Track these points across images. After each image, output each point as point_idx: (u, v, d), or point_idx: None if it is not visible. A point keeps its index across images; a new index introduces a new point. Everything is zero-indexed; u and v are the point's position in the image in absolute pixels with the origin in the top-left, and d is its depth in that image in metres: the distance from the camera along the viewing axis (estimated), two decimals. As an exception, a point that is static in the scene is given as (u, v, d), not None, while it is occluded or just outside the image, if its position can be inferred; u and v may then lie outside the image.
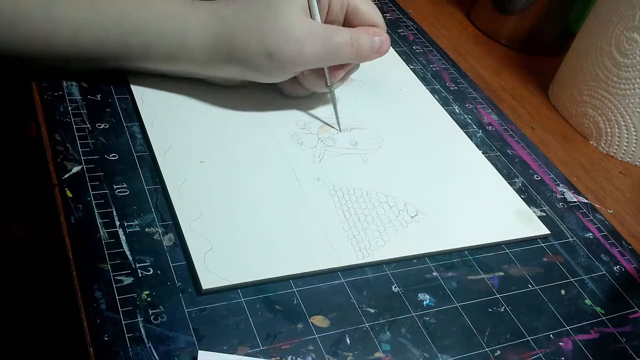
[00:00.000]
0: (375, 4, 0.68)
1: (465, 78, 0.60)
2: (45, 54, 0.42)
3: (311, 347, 0.33)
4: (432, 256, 0.41)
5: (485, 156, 0.50)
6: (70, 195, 0.37)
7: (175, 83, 0.47)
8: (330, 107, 0.49)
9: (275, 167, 0.43)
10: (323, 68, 0.46)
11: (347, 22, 0.46)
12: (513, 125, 0.56)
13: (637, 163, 0.57)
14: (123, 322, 0.31)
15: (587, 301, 0.41)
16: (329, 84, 0.46)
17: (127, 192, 0.38)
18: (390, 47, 0.60)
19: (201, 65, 0.44)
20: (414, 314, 0.37)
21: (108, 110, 0.44)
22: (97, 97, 0.44)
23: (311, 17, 0.44)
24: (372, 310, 0.36)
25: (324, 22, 0.45)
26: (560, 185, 0.51)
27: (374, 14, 0.46)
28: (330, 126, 0.48)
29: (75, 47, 0.41)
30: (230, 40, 0.42)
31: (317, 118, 0.49)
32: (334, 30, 0.43)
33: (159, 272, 0.34)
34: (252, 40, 0.42)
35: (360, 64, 0.48)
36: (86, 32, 0.41)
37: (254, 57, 0.42)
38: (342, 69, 0.46)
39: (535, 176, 0.51)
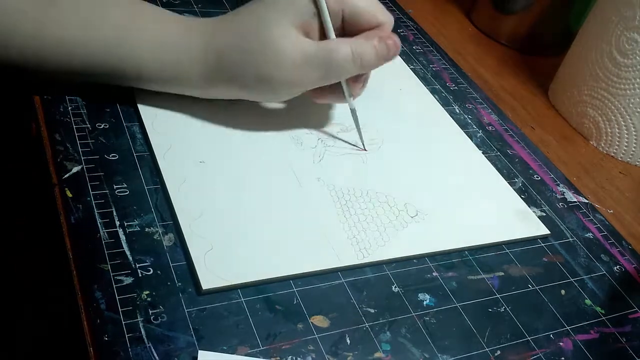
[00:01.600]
0: (375, 4, 0.68)
1: (465, 78, 0.60)
2: (37, 72, 0.41)
3: (311, 347, 0.33)
4: (432, 256, 0.41)
5: (485, 156, 0.50)
6: (70, 195, 0.37)
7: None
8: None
9: (275, 167, 0.43)
10: (340, 83, 0.44)
11: (349, 25, 0.43)
12: (513, 125, 0.56)
13: (637, 163, 0.57)
14: (123, 322, 0.31)
15: (587, 301, 0.41)
16: (347, 101, 0.45)
17: (127, 192, 0.38)
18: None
19: (197, 89, 0.43)
20: (414, 314, 0.37)
21: (108, 110, 0.44)
22: (97, 97, 0.44)
23: (319, 34, 0.42)
24: (372, 310, 0.36)
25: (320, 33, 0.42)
26: (560, 185, 0.51)
27: (375, 10, 0.43)
28: (354, 145, 0.47)
29: (67, 66, 0.41)
30: (225, 68, 0.41)
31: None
32: (332, 49, 0.41)
33: (159, 272, 0.34)
34: (248, 69, 0.41)
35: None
36: (77, 54, 0.40)
37: (251, 83, 0.42)
38: (358, 84, 0.44)
39: (535, 176, 0.51)
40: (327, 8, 0.41)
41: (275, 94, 0.43)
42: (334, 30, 0.42)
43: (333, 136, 0.47)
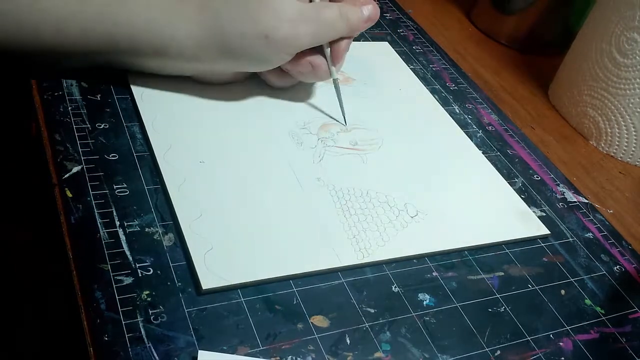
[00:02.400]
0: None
1: (465, 78, 0.60)
2: (34, 47, 0.41)
3: (311, 347, 0.33)
4: (432, 256, 0.41)
5: (485, 156, 0.50)
6: (70, 195, 0.37)
7: (175, 83, 0.47)
8: (330, 102, 0.49)
9: (275, 167, 0.43)
10: (324, 55, 0.46)
11: None
12: (513, 125, 0.56)
13: (637, 163, 0.57)
14: (123, 322, 0.31)
15: (587, 301, 0.41)
16: (331, 71, 0.47)
17: (127, 192, 0.38)
18: (390, 48, 0.61)
19: (192, 58, 0.43)
20: (414, 314, 0.37)
21: (108, 110, 0.44)
22: (97, 97, 0.44)
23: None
24: (372, 310, 0.36)
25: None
26: (560, 185, 0.51)
27: None
28: (336, 120, 0.49)
29: (62, 39, 0.41)
30: (222, 30, 0.42)
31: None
32: (323, 7, 0.44)
33: (159, 272, 0.35)
34: (245, 26, 0.41)
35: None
36: (71, 23, 0.41)
37: (249, 42, 0.42)
38: (342, 50, 0.47)
39: (535, 176, 0.51)
40: None
41: (272, 52, 0.43)
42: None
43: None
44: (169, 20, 0.42)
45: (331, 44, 0.46)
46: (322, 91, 0.52)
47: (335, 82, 0.48)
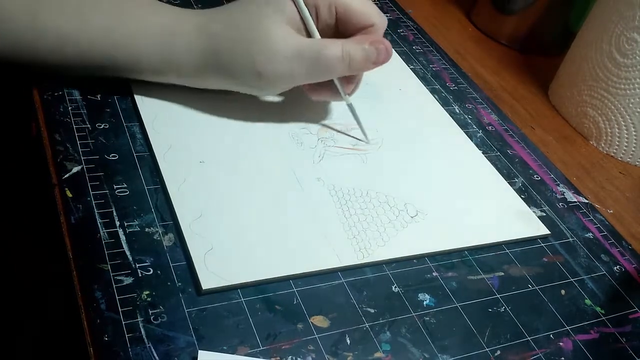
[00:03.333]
0: (375, 4, 0.68)
1: (465, 78, 0.60)
2: (32, 62, 0.41)
3: (311, 347, 0.33)
4: (432, 256, 0.41)
5: (485, 156, 0.50)
6: (70, 195, 0.37)
7: (176, 84, 0.47)
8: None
9: (275, 167, 0.43)
10: (334, 81, 0.44)
11: (341, 25, 0.43)
12: (513, 125, 0.56)
13: (637, 163, 0.57)
14: (123, 322, 0.31)
15: (587, 301, 0.41)
16: (343, 98, 0.46)
17: (127, 192, 0.38)
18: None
19: (190, 79, 0.44)
20: (414, 314, 0.37)
21: (108, 110, 0.44)
22: (97, 97, 0.44)
23: (307, 33, 0.43)
24: (372, 310, 0.36)
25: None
26: (560, 185, 0.51)
27: (368, 11, 0.43)
28: (358, 138, 0.48)
29: (60, 56, 0.41)
30: (218, 57, 0.41)
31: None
32: (323, 46, 0.41)
33: (159, 272, 0.35)
34: (240, 60, 0.41)
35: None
36: (71, 43, 0.41)
37: (242, 75, 0.42)
38: (350, 84, 0.45)
39: (535, 176, 0.51)
40: (309, 7, 0.42)
41: (265, 87, 0.43)
42: (328, 30, 0.43)
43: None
44: (168, 43, 0.42)
45: (340, 78, 0.45)
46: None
47: (350, 107, 0.47)
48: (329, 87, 0.45)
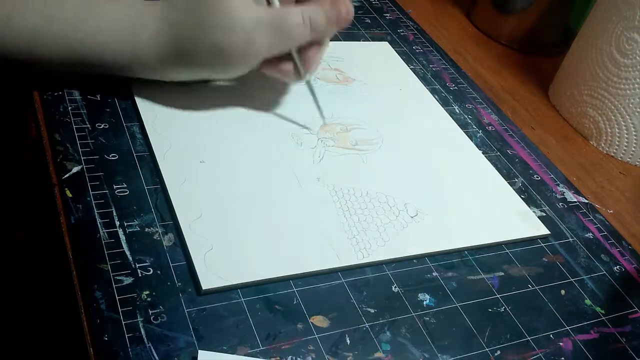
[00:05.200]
0: (375, 4, 0.68)
1: (465, 78, 0.60)
2: (12, 60, 0.41)
3: (311, 347, 0.33)
4: (432, 256, 0.41)
5: (485, 156, 0.50)
6: (70, 195, 0.37)
7: (176, 84, 0.47)
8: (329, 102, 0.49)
9: (275, 167, 0.43)
10: (293, 59, 0.44)
11: None
12: (513, 125, 0.56)
13: (637, 163, 0.57)
14: (123, 322, 0.32)
15: (587, 301, 0.41)
16: (303, 74, 0.45)
17: (127, 192, 0.38)
18: (390, 48, 0.61)
19: (156, 71, 0.43)
20: (414, 314, 0.37)
21: (108, 110, 0.44)
22: (97, 97, 0.44)
23: (268, 2, 0.43)
24: (372, 310, 0.36)
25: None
26: (560, 185, 0.51)
27: None
28: (304, 126, 0.48)
29: (35, 55, 0.41)
30: (179, 45, 0.41)
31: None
32: (283, 13, 0.41)
33: (159, 272, 0.35)
34: (199, 41, 0.41)
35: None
36: (40, 42, 0.40)
37: (205, 58, 0.41)
38: (313, 56, 0.44)
39: (535, 176, 0.51)
40: None
41: (230, 65, 0.42)
42: (287, 2, 0.43)
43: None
44: (132, 38, 0.41)
45: (300, 49, 0.44)
46: (322, 92, 0.52)
47: (308, 84, 0.47)
48: (282, 66, 0.44)
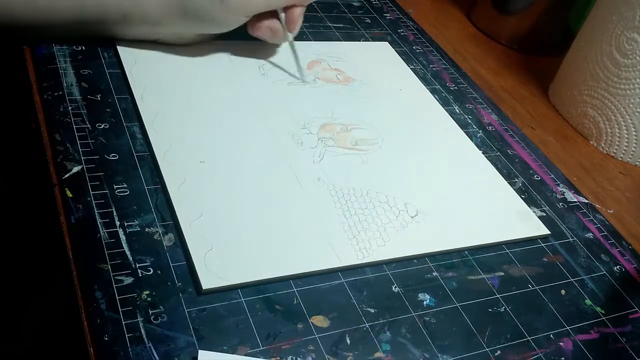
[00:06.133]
0: (375, 4, 0.68)
1: (465, 78, 0.60)
2: (4, 15, 0.43)
3: (311, 347, 0.33)
4: (432, 256, 0.41)
5: (485, 156, 0.50)
6: (70, 195, 0.37)
7: (175, 83, 0.47)
8: (326, 101, 0.50)
9: (275, 167, 0.43)
10: (279, 20, 0.48)
11: None
12: (513, 125, 0.56)
13: (637, 163, 0.57)
14: (123, 322, 0.31)
15: (587, 301, 0.41)
16: (286, 34, 0.50)
17: (127, 192, 0.38)
18: (390, 48, 0.61)
19: (156, 22, 0.46)
20: (414, 314, 0.37)
21: (108, 110, 0.44)
22: (97, 97, 0.44)
23: None
24: (372, 310, 0.36)
25: None
26: (561, 185, 0.51)
27: None
28: (294, 76, 0.52)
29: (32, 11, 0.43)
30: None
31: (296, 134, 0.48)
32: None
33: (159, 272, 0.35)
34: None
35: None
36: None
37: (206, 5, 0.44)
38: (297, 15, 0.49)
39: (535, 176, 0.51)
40: None
41: (231, 17, 0.46)
42: None
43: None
44: None
45: (285, 10, 0.49)
46: (322, 92, 0.52)
47: (290, 44, 0.51)
48: (271, 24, 0.49)
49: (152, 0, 0.44)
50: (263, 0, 0.46)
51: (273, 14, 0.48)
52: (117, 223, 0.36)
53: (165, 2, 0.44)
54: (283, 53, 0.54)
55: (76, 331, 0.32)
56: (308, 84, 0.51)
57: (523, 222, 0.45)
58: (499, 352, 0.36)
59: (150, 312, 0.32)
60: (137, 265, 0.34)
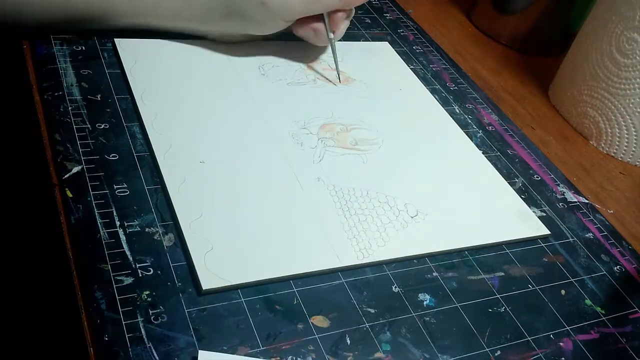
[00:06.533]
0: (375, 4, 0.68)
1: (465, 78, 0.60)
2: (5, 7, 0.43)
3: (311, 347, 0.33)
4: (432, 256, 0.41)
5: (485, 156, 0.50)
6: (70, 195, 0.37)
7: (175, 83, 0.47)
8: (331, 100, 0.50)
9: (275, 167, 0.43)
10: (324, 21, 0.49)
11: None
12: (513, 125, 0.56)
13: (637, 163, 0.57)
14: (123, 322, 0.31)
15: (588, 301, 0.41)
16: (329, 35, 0.50)
17: (127, 192, 0.38)
18: (391, 48, 0.61)
19: (201, 20, 0.47)
20: (414, 314, 0.37)
21: (108, 110, 0.44)
22: (97, 97, 0.44)
23: None
24: (372, 311, 0.36)
25: None
26: (561, 185, 0.51)
27: None
28: (328, 79, 0.53)
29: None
30: None
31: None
32: None
33: (159, 272, 0.34)
34: None
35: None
36: None
37: (248, 8, 0.46)
38: (340, 20, 0.50)
39: (535, 176, 0.51)
40: None
41: (271, 18, 0.47)
42: None
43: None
44: None
45: (330, 14, 0.49)
46: (322, 92, 0.52)
47: (331, 41, 0.51)
48: (315, 25, 0.50)
49: (200, 3, 0.46)
50: (302, 6, 0.47)
51: (319, 16, 0.49)
52: (117, 223, 0.36)
53: (210, 4, 0.46)
54: (283, 53, 0.54)
55: (76, 331, 0.32)
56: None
57: (523, 222, 0.45)
58: (499, 352, 0.36)
59: (151, 312, 0.32)
60: (137, 265, 0.34)
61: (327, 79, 0.53)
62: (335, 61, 0.52)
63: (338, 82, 0.53)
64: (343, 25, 0.51)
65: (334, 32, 0.51)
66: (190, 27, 0.49)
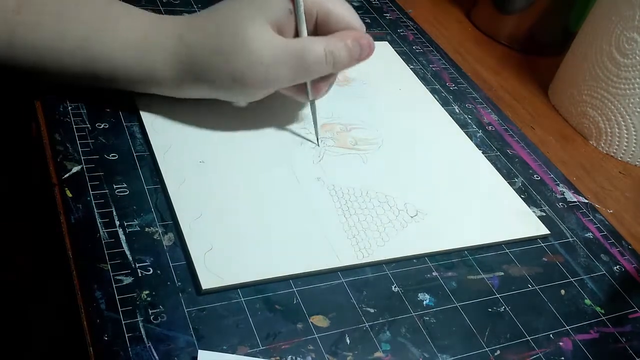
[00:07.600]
0: (375, 4, 0.68)
1: (465, 78, 0.60)
2: (14, 72, 0.41)
3: (311, 347, 0.33)
4: (432, 256, 0.41)
5: (485, 156, 0.50)
6: (70, 195, 0.37)
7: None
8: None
9: (275, 167, 0.43)
10: (305, 83, 0.44)
11: (321, 27, 0.43)
12: (513, 125, 0.56)
13: (637, 163, 0.57)
14: (123, 322, 0.32)
15: (587, 301, 0.41)
16: (310, 99, 0.45)
17: (127, 192, 0.38)
18: (390, 48, 0.61)
19: (170, 89, 0.43)
20: (413, 313, 0.37)
21: (108, 110, 0.44)
22: (97, 97, 0.44)
23: (294, 32, 0.42)
24: (372, 310, 0.36)
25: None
26: (560, 185, 0.51)
27: (347, 15, 0.42)
28: (309, 140, 0.47)
29: (41, 70, 0.41)
30: (196, 68, 0.41)
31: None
32: (305, 47, 0.40)
33: (158, 272, 0.35)
34: (218, 66, 0.40)
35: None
36: (48, 58, 0.40)
37: (223, 83, 0.41)
38: (324, 83, 0.44)
39: (535, 176, 0.51)
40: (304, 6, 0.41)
41: (248, 94, 0.43)
42: (307, 32, 0.42)
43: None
44: (145, 55, 0.41)
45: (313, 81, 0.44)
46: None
47: (311, 103, 0.46)
48: (298, 87, 0.44)
49: (166, 68, 0.41)
50: (288, 78, 0.41)
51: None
52: (117, 223, 0.36)
53: (180, 71, 0.41)
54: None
55: (76, 331, 0.32)
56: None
57: (523, 222, 0.45)
58: (498, 351, 0.36)
59: (150, 312, 0.32)
60: (137, 265, 0.34)
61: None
62: (314, 123, 0.46)
63: (317, 144, 0.46)
64: (325, 90, 0.45)
65: (315, 97, 0.45)
66: (162, 93, 0.43)
